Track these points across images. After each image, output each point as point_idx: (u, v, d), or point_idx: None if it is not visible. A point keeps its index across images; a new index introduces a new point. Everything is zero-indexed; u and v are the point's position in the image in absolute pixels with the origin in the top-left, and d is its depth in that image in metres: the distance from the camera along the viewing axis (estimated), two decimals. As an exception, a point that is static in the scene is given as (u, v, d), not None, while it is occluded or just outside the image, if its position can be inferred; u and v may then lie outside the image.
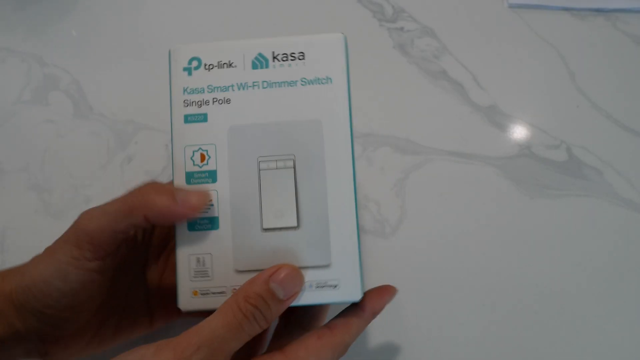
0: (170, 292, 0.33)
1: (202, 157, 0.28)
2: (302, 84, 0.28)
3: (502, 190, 0.41)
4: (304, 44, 0.29)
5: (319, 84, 0.28)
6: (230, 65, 0.28)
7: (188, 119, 0.28)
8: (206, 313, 0.32)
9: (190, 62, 0.29)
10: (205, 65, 0.29)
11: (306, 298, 0.27)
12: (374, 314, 0.28)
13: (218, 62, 0.29)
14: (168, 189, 0.26)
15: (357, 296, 0.27)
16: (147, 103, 0.45)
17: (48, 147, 0.44)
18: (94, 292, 0.28)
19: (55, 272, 0.26)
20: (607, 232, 0.39)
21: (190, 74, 0.29)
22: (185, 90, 0.28)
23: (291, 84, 0.28)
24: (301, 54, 0.28)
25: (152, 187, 0.26)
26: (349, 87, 0.28)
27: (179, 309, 0.33)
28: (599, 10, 0.48)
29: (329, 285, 0.27)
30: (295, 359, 0.24)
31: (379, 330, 0.36)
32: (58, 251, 0.26)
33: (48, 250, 0.27)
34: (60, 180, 0.42)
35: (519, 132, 0.43)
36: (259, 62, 0.28)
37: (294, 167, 0.27)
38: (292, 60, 0.28)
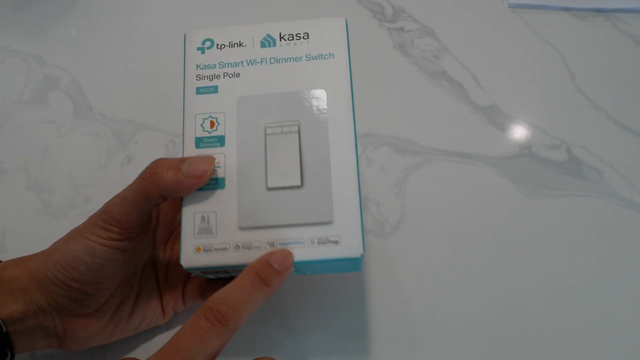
0: (177, 279, 0.34)
1: (212, 124, 0.30)
2: (306, 59, 0.30)
3: (502, 190, 0.41)
4: (309, 26, 0.31)
5: (322, 59, 0.30)
6: (240, 44, 0.31)
7: (200, 90, 0.30)
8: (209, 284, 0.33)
9: (203, 42, 0.31)
10: (217, 45, 0.31)
11: (308, 254, 0.27)
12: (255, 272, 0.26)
13: (229, 42, 0.31)
14: (175, 163, 0.27)
15: (358, 251, 0.27)
16: (147, 103, 0.45)
17: (48, 147, 0.44)
18: (115, 270, 0.29)
19: (83, 248, 0.28)
20: (607, 232, 0.39)
21: (203, 52, 0.31)
22: (198, 66, 0.31)
23: (296, 59, 0.30)
24: (306, 34, 0.31)
25: (159, 164, 0.27)
26: (349, 62, 0.30)
27: (184, 298, 0.34)
28: (599, 10, 0.48)
29: (331, 242, 0.27)
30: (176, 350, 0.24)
31: (379, 329, 0.36)
32: (86, 231, 0.28)
33: (76, 230, 0.29)
34: (60, 180, 0.42)
35: (519, 132, 0.43)
36: (267, 41, 0.31)
37: (299, 132, 0.29)
38: (297, 39, 0.31)
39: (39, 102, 0.46)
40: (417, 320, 0.36)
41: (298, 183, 0.28)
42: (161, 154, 0.43)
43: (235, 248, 0.27)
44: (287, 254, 0.27)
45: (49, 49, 0.48)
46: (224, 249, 0.27)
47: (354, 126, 0.29)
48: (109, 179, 0.42)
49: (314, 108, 0.29)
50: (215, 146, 0.29)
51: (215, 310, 0.24)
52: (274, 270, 0.26)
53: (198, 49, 0.31)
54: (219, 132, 0.29)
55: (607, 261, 0.38)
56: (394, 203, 0.40)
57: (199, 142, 0.29)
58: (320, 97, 0.29)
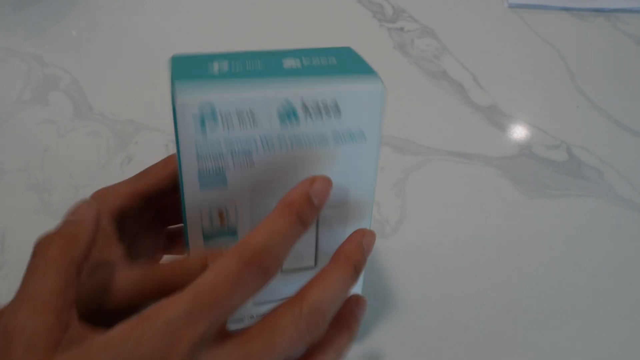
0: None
1: (221, 218, 0.25)
2: (333, 141, 0.25)
3: (502, 190, 0.41)
4: (336, 92, 0.24)
5: (351, 141, 0.25)
6: (251, 116, 0.24)
7: (204, 183, 0.24)
8: None
9: (201, 107, 0.23)
10: (221, 115, 0.23)
11: None
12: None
13: (237, 111, 0.23)
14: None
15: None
16: (147, 103, 0.45)
17: (48, 147, 0.44)
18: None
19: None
20: (607, 232, 0.39)
21: (203, 125, 0.23)
22: (197, 144, 0.23)
23: (322, 140, 0.24)
24: (334, 103, 0.24)
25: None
26: (379, 143, 0.26)
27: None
28: (599, 10, 0.48)
29: None
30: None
31: (378, 330, 0.36)
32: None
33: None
34: (60, 180, 0.42)
35: (519, 132, 0.43)
36: (288, 114, 0.24)
37: (317, 224, 0.27)
38: (325, 112, 0.24)
39: (39, 102, 0.46)
40: (418, 320, 0.36)
41: (312, 264, 0.28)
42: (161, 154, 0.43)
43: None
44: (328, 184, 0.22)
45: (49, 49, 0.48)
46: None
47: (370, 217, 0.27)
48: (109, 179, 0.42)
49: (334, 201, 0.24)
50: (227, 239, 0.26)
51: (259, 263, 0.20)
52: (314, 208, 0.22)
53: (194, 117, 0.23)
54: (230, 223, 0.25)
55: (607, 261, 0.38)
56: (394, 203, 0.40)
57: (208, 238, 0.26)
58: (342, 190, 0.26)
